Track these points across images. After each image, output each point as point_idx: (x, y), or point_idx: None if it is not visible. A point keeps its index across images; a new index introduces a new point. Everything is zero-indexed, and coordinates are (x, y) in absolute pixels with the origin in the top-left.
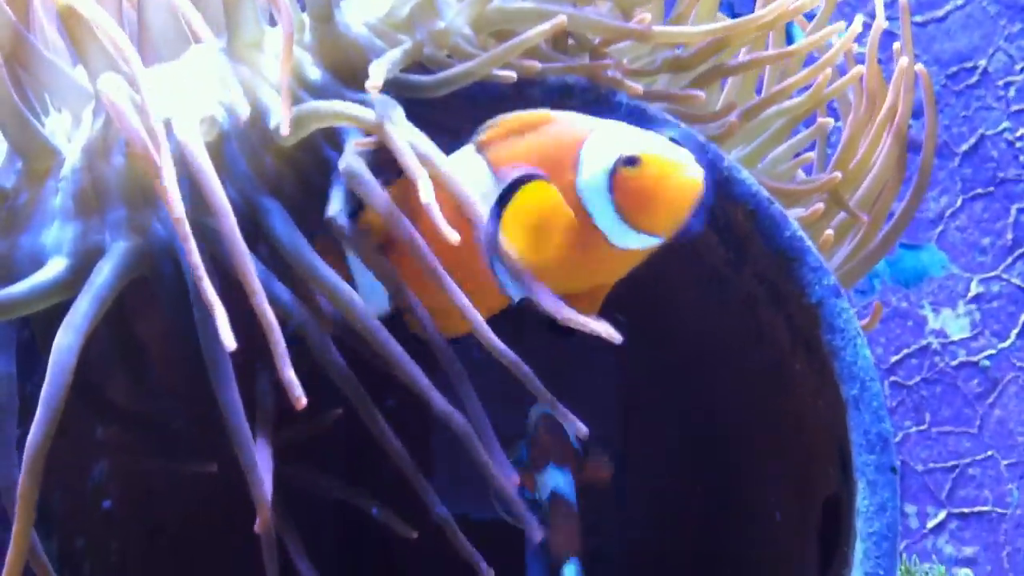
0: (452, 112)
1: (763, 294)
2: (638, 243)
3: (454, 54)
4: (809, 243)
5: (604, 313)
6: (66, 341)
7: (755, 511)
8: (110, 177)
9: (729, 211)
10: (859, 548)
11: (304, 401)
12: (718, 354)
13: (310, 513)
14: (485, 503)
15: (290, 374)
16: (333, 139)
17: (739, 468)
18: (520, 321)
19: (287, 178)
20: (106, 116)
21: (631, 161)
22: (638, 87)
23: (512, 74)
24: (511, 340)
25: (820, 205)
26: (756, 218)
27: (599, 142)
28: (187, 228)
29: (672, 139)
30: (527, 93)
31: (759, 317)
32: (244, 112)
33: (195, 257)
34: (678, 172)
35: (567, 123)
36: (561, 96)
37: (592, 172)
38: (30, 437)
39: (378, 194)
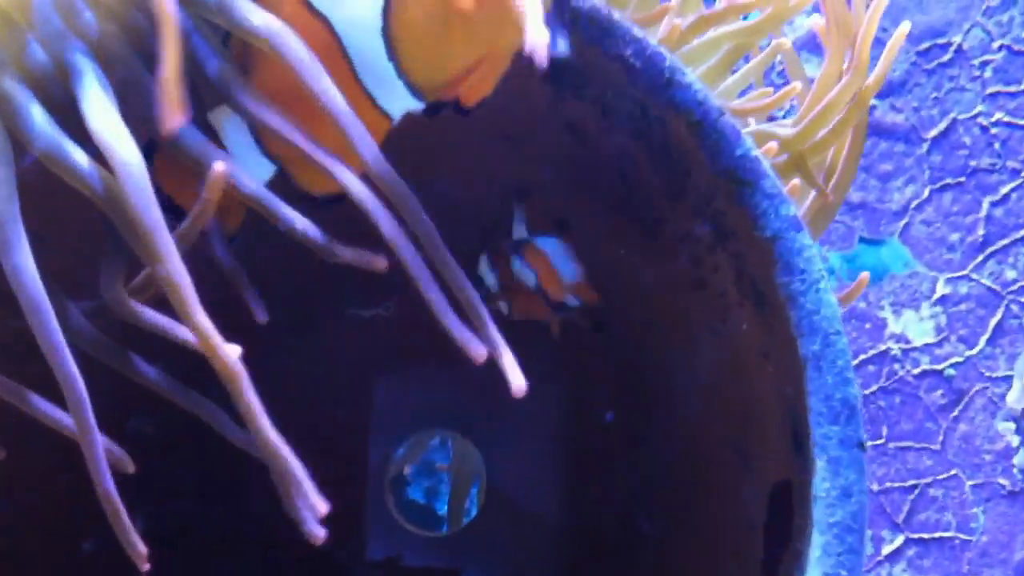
0: None
1: (706, 230)
2: None
3: None
4: (765, 165)
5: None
6: None
7: (688, 501)
8: None
9: (669, 122)
10: (817, 542)
11: None
12: (649, 312)
13: None
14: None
15: None
16: None
17: (670, 449)
18: None
19: (114, 39)
20: None
21: None
22: None
23: None
24: None
25: (773, 144)
26: (701, 132)
27: None
28: None
29: None
30: None
31: (701, 262)
32: None
33: None
34: None
35: None
36: None
37: None
38: None
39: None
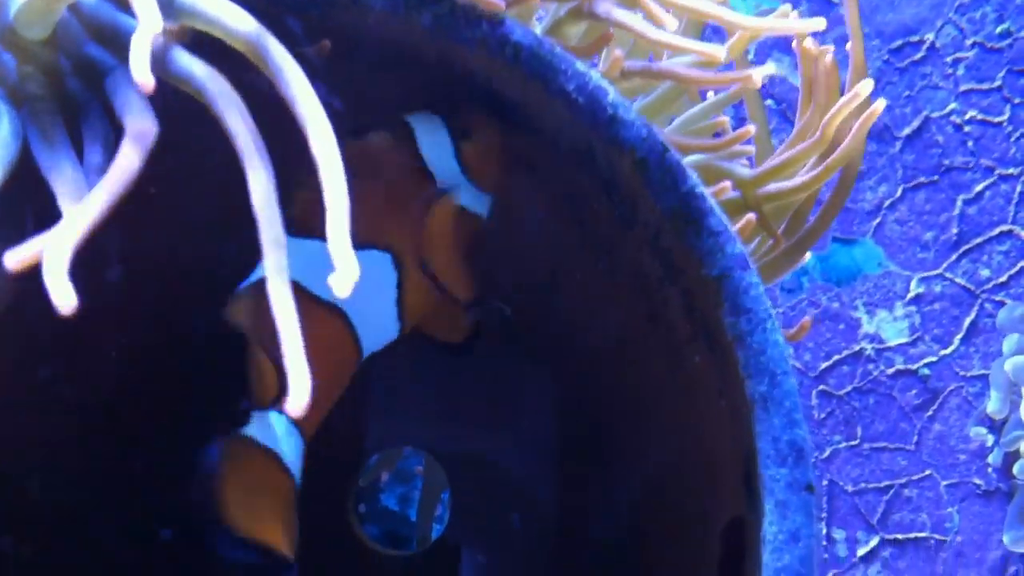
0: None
1: (655, 266)
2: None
3: None
4: (711, 202)
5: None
6: None
7: (647, 537)
8: None
9: (614, 158)
10: None
11: None
12: (607, 348)
13: None
14: None
15: None
16: (102, 31)
17: (626, 485)
18: None
19: (33, 82)
20: None
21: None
22: (500, 3)
23: None
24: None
25: (727, 184)
26: (646, 167)
27: None
28: None
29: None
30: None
31: (652, 295)
32: None
33: None
34: None
35: None
36: (408, 6)
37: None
38: None
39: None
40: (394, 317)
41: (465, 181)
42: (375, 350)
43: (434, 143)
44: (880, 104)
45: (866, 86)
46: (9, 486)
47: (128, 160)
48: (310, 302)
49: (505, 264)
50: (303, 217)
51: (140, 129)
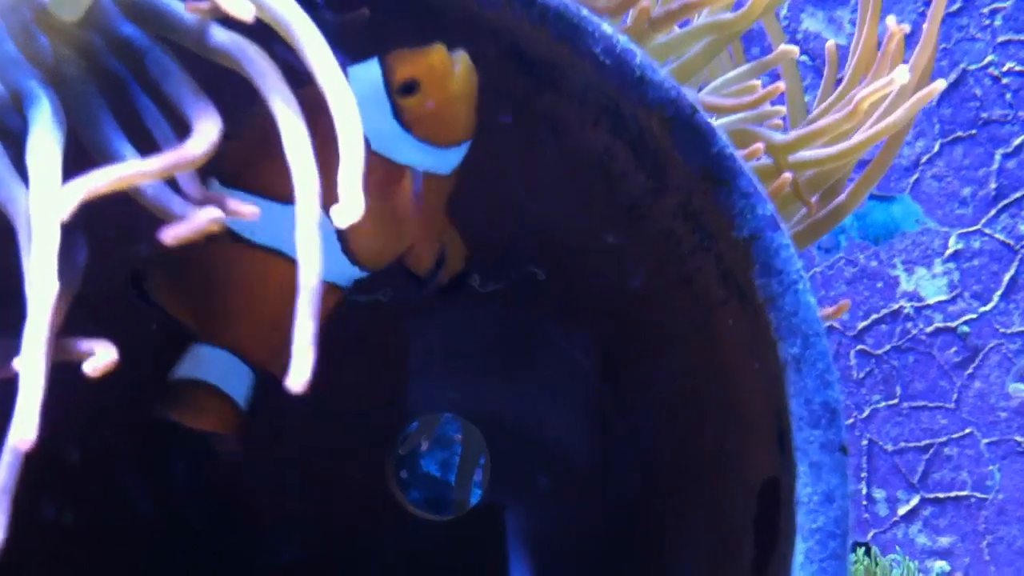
0: None
1: (686, 228)
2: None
3: None
4: (741, 163)
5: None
6: None
7: (679, 497)
8: None
9: (643, 120)
10: (800, 548)
11: None
12: (639, 310)
13: None
14: None
15: None
16: (137, 10)
17: (660, 448)
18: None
19: (70, 63)
20: None
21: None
22: None
23: None
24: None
25: (759, 146)
26: (675, 128)
27: None
28: None
29: None
30: None
31: (683, 258)
32: None
33: None
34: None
35: None
36: None
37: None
38: None
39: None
40: (342, 256)
41: (411, 139)
42: (341, 282)
43: (364, 100)
44: (939, 84)
45: (902, 73)
46: None
47: (188, 150)
48: (246, 247)
49: (533, 227)
50: (234, 169)
51: (206, 127)
